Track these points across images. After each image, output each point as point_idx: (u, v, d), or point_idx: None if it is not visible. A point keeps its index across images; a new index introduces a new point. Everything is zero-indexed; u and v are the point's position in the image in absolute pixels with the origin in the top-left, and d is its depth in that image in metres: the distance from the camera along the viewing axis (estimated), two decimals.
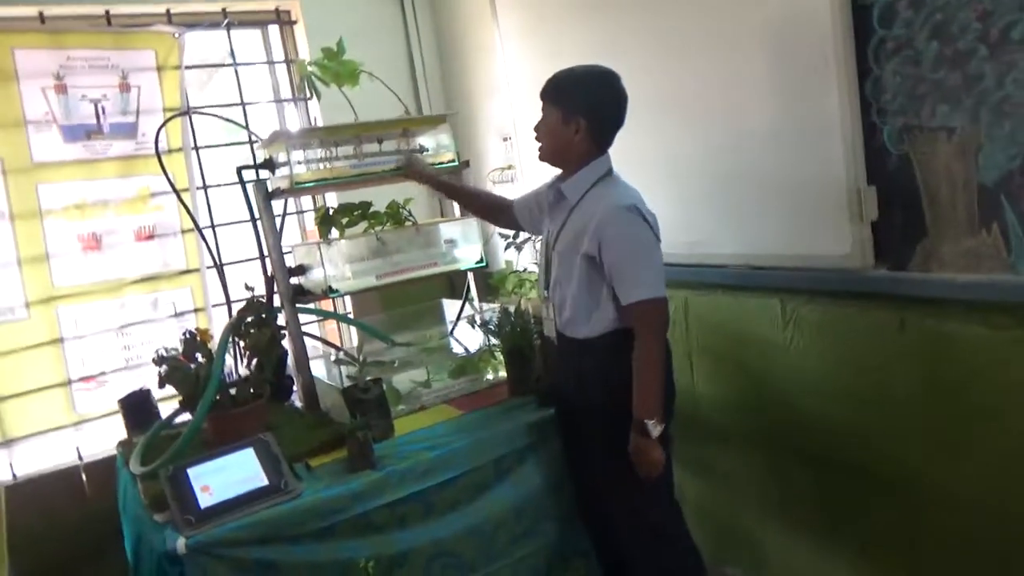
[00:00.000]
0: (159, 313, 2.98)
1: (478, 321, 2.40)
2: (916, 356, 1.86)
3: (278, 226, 2.40)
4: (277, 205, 2.44)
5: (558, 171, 1.98)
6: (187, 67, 3.02)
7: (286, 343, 2.32)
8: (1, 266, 2.71)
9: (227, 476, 1.78)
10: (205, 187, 3.07)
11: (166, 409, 2.32)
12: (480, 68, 3.24)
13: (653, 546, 1.89)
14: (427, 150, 2.43)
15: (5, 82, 2.68)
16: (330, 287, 2.23)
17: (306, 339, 2.40)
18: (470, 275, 2.63)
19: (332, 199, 3.17)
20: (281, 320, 2.30)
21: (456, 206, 2.60)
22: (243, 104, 3.15)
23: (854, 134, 1.87)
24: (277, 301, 2.34)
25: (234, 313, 2.23)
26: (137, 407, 2.41)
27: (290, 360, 2.38)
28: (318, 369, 2.45)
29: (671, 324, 2.44)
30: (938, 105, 1.73)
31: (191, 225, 2.88)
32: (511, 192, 3.09)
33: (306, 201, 3.35)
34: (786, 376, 2.18)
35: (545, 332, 2.04)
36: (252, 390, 2.10)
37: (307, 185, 2.25)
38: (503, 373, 2.35)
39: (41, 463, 2.73)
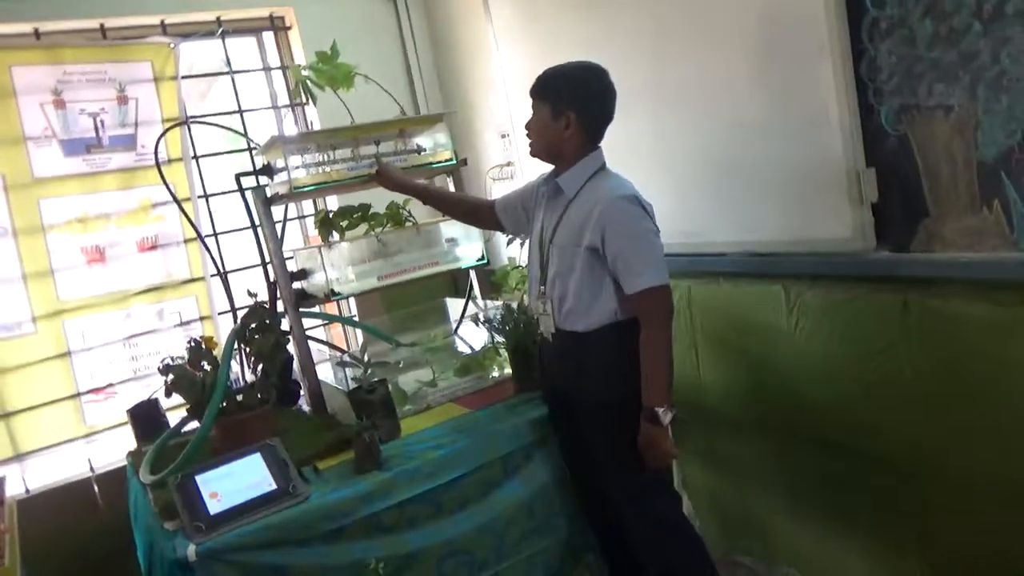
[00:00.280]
0: (165, 323, 3.00)
1: (481, 319, 2.39)
2: (921, 337, 1.84)
3: (279, 231, 2.41)
4: (277, 211, 2.44)
5: (550, 167, 1.98)
6: (184, 77, 3.03)
7: (291, 348, 2.32)
8: (6, 282, 2.72)
9: (235, 482, 1.79)
10: (206, 196, 3.08)
11: (175, 418, 2.33)
12: (476, 66, 3.24)
13: (658, 537, 1.88)
14: (424, 150, 2.44)
15: (3, 99, 2.69)
16: (332, 290, 2.23)
17: (311, 343, 2.41)
18: (472, 273, 2.63)
19: (332, 203, 3.17)
20: (285, 325, 2.31)
21: None
22: (240, 112, 3.16)
23: (851, 116, 1.86)
24: (281, 306, 2.35)
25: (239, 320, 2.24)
26: (145, 417, 2.43)
27: (296, 364, 2.38)
28: (325, 373, 2.46)
29: (675, 314, 2.44)
30: (934, 83, 1.72)
31: (193, 234, 2.89)
32: (510, 189, 3.10)
33: (307, 206, 3.36)
34: (792, 362, 2.17)
35: (543, 330, 2.02)
36: (259, 396, 2.10)
37: (306, 189, 2.25)
38: (508, 370, 2.35)
39: (53, 476, 2.75)
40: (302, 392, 2.42)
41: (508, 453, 2.01)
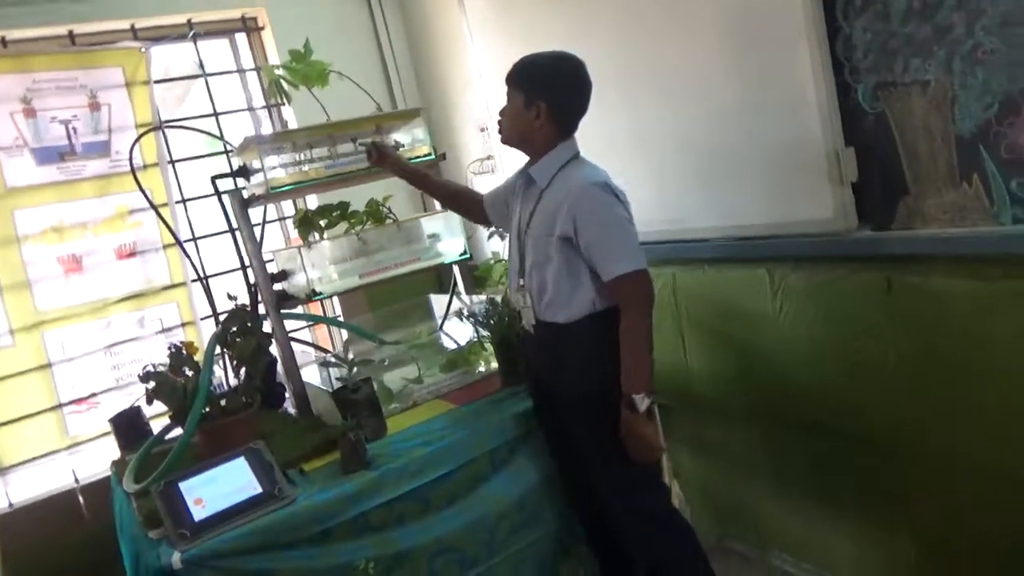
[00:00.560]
0: (146, 330, 2.96)
1: (466, 314, 2.37)
2: (905, 315, 1.84)
3: (258, 233, 2.38)
4: (256, 213, 2.41)
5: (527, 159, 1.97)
6: (156, 81, 2.99)
7: (274, 350, 2.30)
8: None
9: (220, 487, 1.77)
10: (184, 201, 3.04)
11: (159, 426, 2.29)
12: (452, 60, 3.22)
13: (647, 532, 1.86)
14: (403, 145, 2.41)
15: None
16: (314, 290, 2.21)
17: (295, 344, 2.38)
18: (456, 268, 2.61)
19: (312, 202, 3.14)
20: (268, 327, 2.28)
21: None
22: (216, 114, 3.12)
23: (828, 95, 1.85)
24: (262, 309, 2.32)
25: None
26: (128, 425, 2.40)
27: (280, 367, 2.36)
28: (310, 374, 2.43)
29: (660, 302, 2.43)
30: (910, 59, 1.71)
31: (172, 240, 2.86)
32: (491, 183, 3.08)
33: (288, 208, 3.33)
34: (778, 346, 2.17)
35: (524, 323, 1.99)
36: (242, 399, 2.08)
37: (283, 189, 2.22)
38: (494, 364, 2.33)
39: (37, 489, 2.71)
40: (287, 394, 2.39)
41: (495, 447, 1.99)
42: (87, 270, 2.86)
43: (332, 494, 1.77)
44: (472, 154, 3.25)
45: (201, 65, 3.11)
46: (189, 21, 3.06)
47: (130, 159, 2.64)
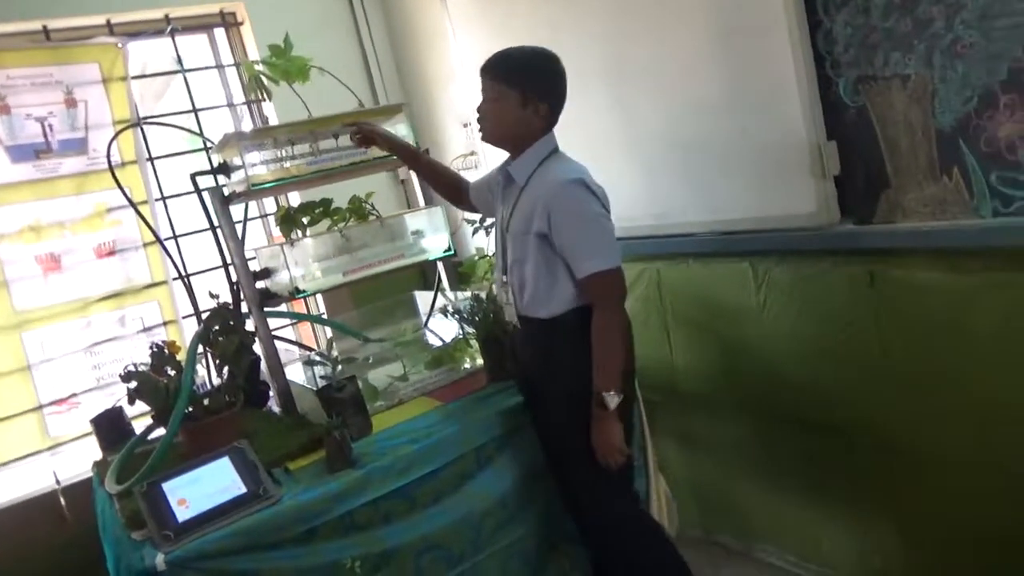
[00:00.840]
0: (127, 329, 2.93)
1: (451, 310, 2.37)
2: (888, 308, 1.86)
3: (240, 231, 2.35)
4: (237, 210, 2.39)
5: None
6: (134, 77, 2.95)
7: (258, 348, 2.28)
8: None
9: (203, 487, 1.75)
10: (164, 198, 3.00)
11: (142, 426, 2.27)
12: (434, 55, 3.20)
13: (621, 534, 1.87)
14: None
15: None
16: (296, 288, 2.19)
17: (279, 343, 2.36)
18: (440, 265, 2.60)
19: (295, 199, 3.12)
20: (251, 326, 2.26)
21: (420, 196, 2.57)
22: (195, 111, 3.08)
23: (810, 89, 1.86)
24: (245, 307, 2.30)
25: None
26: (110, 425, 2.37)
27: (263, 365, 2.34)
28: (295, 372, 2.41)
29: (645, 297, 2.44)
30: (891, 53, 1.72)
31: (152, 238, 2.82)
32: (474, 178, 3.07)
33: (270, 205, 3.30)
34: (762, 340, 2.18)
35: (506, 318, 1.99)
36: (226, 398, 2.06)
37: (264, 186, 2.20)
38: (480, 361, 2.33)
39: (18, 491, 2.67)
40: (271, 393, 2.38)
41: (481, 445, 1.98)
42: (66, 269, 2.82)
43: (317, 493, 1.75)
44: (455, 150, 3.24)
45: (179, 61, 3.07)
46: (166, 16, 3.02)
47: (108, 156, 2.60)
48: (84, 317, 2.85)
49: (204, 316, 2.21)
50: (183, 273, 2.68)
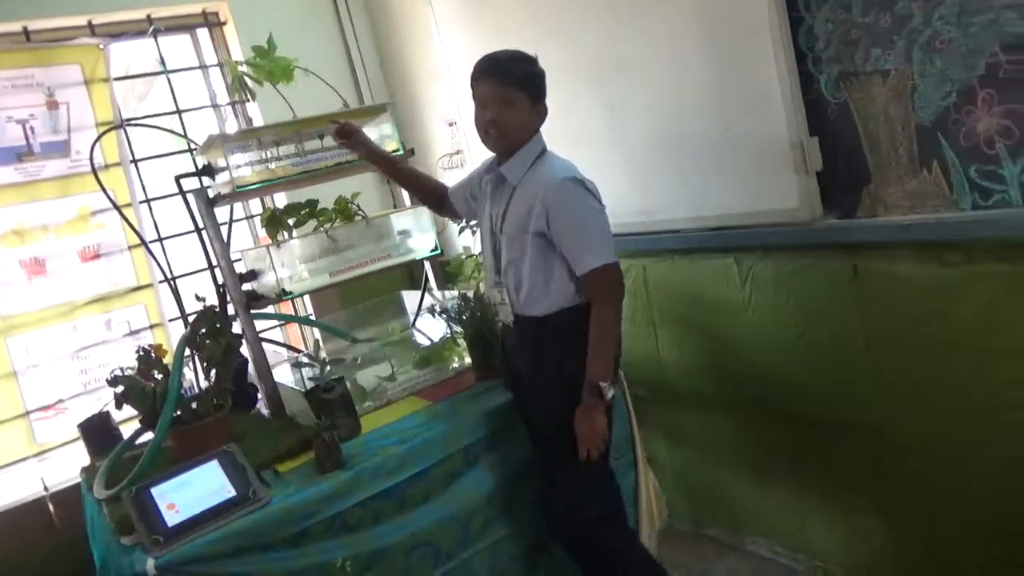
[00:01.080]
0: (114, 333, 2.91)
1: (438, 310, 2.37)
2: (871, 302, 1.87)
3: (225, 233, 2.35)
4: (222, 212, 2.38)
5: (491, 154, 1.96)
6: (116, 79, 2.93)
7: (246, 351, 2.27)
8: None
9: (193, 491, 1.75)
10: (148, 200, 2.99)
11: (130, 431, 2.26)
12: (419, 54, 3.19)
13: (598, 533, 1.87)
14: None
15: None
16: (283, 289, 2.18)
17: (267, 345, 2.36)
18: (427, 264, 2.60)
19: (280, 201, 3.11)
20: (238, 328, 2.25)
21: (406, 195, 2.57)
22: (179, 112, 3.07)
23: (792, 86, 1.87)
24: (232, 309, 2.29)
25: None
26: (97, 431, 2.36)
27: (251, 367, 2.33)
28: (283, 374, 2.41)
29: (631, 293, 2.45)
30: (870, 49, 1.74)
31: (137, 241, 2.81)
32: (460, 177, 3.07)
33: (256, 206, 3.28)
34: (748, 334, 2.19)
35: (501, 318, 1.99)
36: (214, 402, 2.05)
37: (249, 188, 2.19)
38: (469, 360, 2.33)
39: (5, 498, 2.66)
40: (259, 395, 2.37)
41: (470, 443, 1.99)
42: (51, 273, 2.80)
43: (307, 495, 1.76)
44: (441, 149, 3.24)
45: (162, 62, 3.06)
46: (148, 17, 3.00)
47: (91, 159, 2.59)
48: (70, 321, 2.83)
49: (191, 319, 2.20)
50: (169, 276, 2.67)
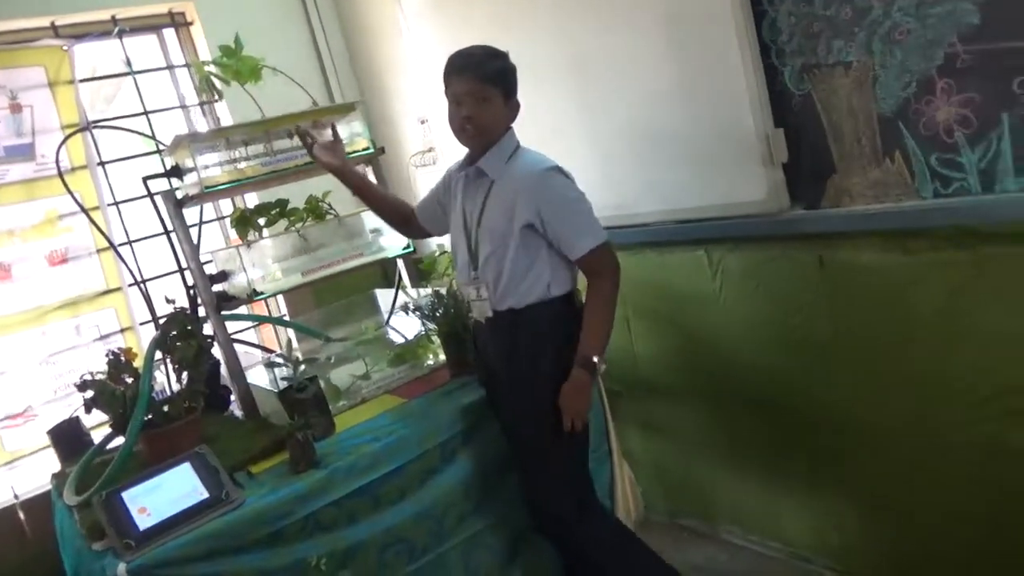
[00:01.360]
0: (84, 338, 2.87)
1: (412, 307, 2.36)
2: (838, 291, 1.90)
3: (195, 234, 2.32)
4: (192, 213, 2.36)
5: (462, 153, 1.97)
6: (81, 80, 2.89)
7: (218, 352, 2.26)
8: None
9: (164, 495, 1.73)
10: (116, 203, 2.95)
11: (102, 436, 2.23)
12: (389, 51, 3.18)
13: (584, 526, 1.89)
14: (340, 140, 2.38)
15: None
16: (254, 290, 2.17)
17: (240, 346, 2.34)
18: (400, 262, 2.59)
19: (252, 201, 3.09)
20: (209, 329, 2.24)
21: None
22: (146, 113, 3.03)
23: (757, 79, 1.89)
24: (204, 311, 2.27)
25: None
26: (67, 437, 2.33)
27: (224, 369, 2.32)
28: (258, 376, 2.39)
29: None
30: (833, 41, 1.76)
31: (106, 244, 2.77)
32: (433, 175, 3.06)
33: (228, 207, 3.25)
34: (719, 325, 2.21)
35: (476, 316, 1.99)
36: (185, 404, 2.03)
37: (217, 188, 2.17)
38: (443, 356, 2.33)
39: None
40: (232, 397, 2.35)
41: (445, 440, 1.99)
42: (17, 279, 2.76)
43: (281, 495, 1.75)
44: (412, 147, 3.23)
45: (128, 63, 3.02)
46: (113, 17, 2.96)
47: (56, 162, 2.55)
48: (39, 327, 2.79)
49: (162, 322, 2.18)
50: (139, 279, 2.64)
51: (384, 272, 3.24)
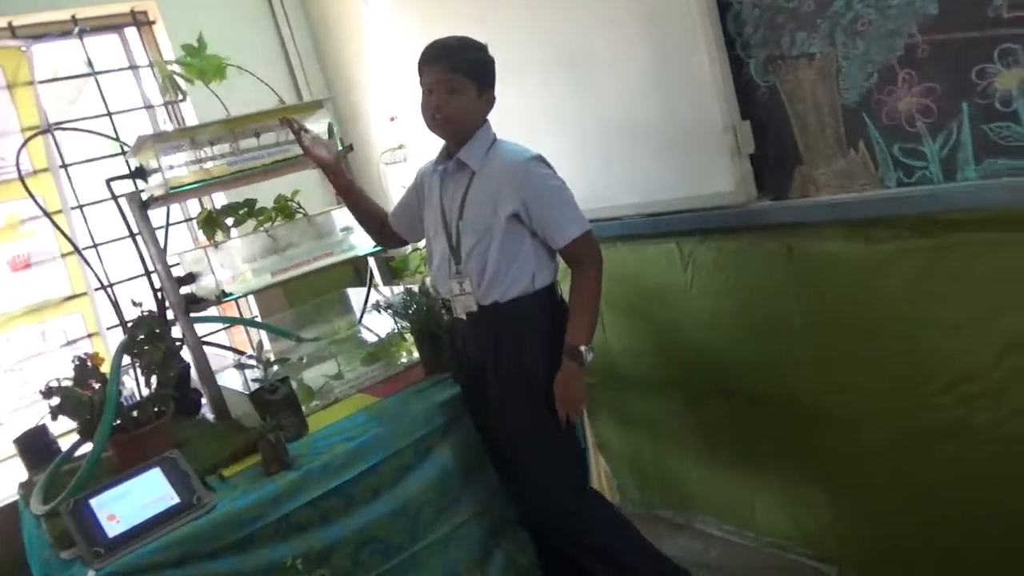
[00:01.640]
0: (50, 344, 2.82)
1: (384, 306, 2.35)
2: (806, 280, 1.92)
3: (162, 236, 2.29)
4: (158, 215, 2.32)
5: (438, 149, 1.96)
6: (40, 82, 2.83)
7: (187, 355, 2.23)
8: None
9: (134, 501, 1.70)
10: (80, 206, 2.90)
11: (70, 443, 2.19)
12: (357, 48, 3.16)
13: (584, 519, 1.89)
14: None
15: None
16: (223, 291, 2.14)
17: (210, 348, 2.31)
18: (371, 260, 2.58)
19: (220, 201, 3.05)
20: (178, 332, 2.21)
21: None
22: (109, 114, 2.98)
23: (723, 71, 1.90)
24: (172, 314, 2.24)
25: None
26: (34, 445, 2.29)
27: (194, 372, 2.28)
28: (231, 378, 2.36)
29: None
30: (796, 32, 1.78)
31: (71, 248, 2.72)
32: (403, 172, 3.05)
33: (195, 208, 3.21)
34: (691, 317, 2.23)
35: (459, 311, 1.94)
36: (155, 409, 2.00)
37: (183, 189, 2.14)
38: (417, 354, 2.32)
39: None
40: (203, 400, 2.32)
41: (419, 437, 1.98)
42: None
43: (253, 498, 1.73)
44: (382, 144, 3.21)
45: (90, 63, 2.96)
46: (73, 17, 2.90)
47: (17, 165, 2.49)
48: (3, 334, 2.74)
49: (129, 325, 2.14)
50: (105, 283, 2.59)
51: (356, 271, 3.21)
